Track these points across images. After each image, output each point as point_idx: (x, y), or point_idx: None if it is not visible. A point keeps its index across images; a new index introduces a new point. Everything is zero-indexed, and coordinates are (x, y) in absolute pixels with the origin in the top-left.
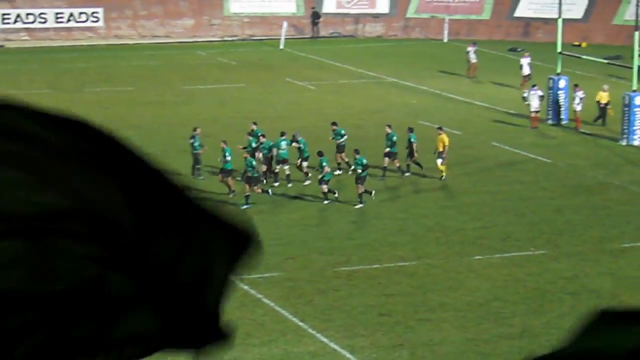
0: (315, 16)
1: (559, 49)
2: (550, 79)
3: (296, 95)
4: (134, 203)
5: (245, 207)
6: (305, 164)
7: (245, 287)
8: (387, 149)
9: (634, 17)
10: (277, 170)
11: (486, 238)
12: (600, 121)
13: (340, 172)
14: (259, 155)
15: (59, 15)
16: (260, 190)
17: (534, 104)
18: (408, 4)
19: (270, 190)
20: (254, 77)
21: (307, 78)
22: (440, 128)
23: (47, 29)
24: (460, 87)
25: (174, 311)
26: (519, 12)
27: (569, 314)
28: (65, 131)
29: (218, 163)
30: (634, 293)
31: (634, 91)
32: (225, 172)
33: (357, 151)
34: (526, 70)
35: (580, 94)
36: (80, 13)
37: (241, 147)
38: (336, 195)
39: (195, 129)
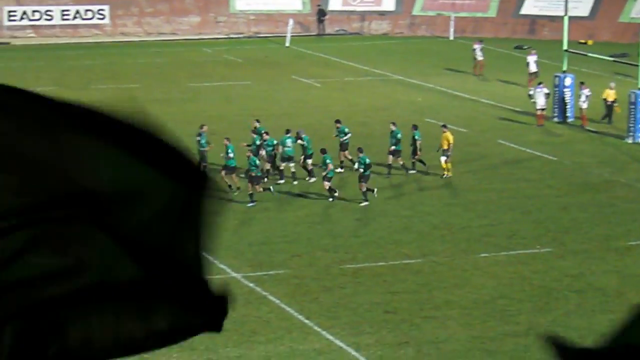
0: (321, 14)
1: (565, 47)
2: (556, 76)
3: (302, 92)
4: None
5: (250, 205)
6: (309, 161)
7: (251, 285)
8: (392, 147)
9: None
10: (282, 168)
11: (492, 236)
12: (606, 119)
13: (343, 170)
14: (262, 152)
15: (65, 13)
16: (261, 189)
17: (540, 101)
18: (414, 1)
19: (271, 187)
20: (259, 75)
21: (313, 75)
22: (444, 126)
23: (53, 26)
24: (466, 84)
25: (156, 261)
26: (525, 10)
27: (574, 312)
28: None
29: (222, 160)
30: None
31: None
32: (228, 168)
33: (360, 150)
34: (533, 68)
35: (586, 91)
36: (87, 10)
37: (245, 144)
38: (336, 194)
39: (202, 127)
